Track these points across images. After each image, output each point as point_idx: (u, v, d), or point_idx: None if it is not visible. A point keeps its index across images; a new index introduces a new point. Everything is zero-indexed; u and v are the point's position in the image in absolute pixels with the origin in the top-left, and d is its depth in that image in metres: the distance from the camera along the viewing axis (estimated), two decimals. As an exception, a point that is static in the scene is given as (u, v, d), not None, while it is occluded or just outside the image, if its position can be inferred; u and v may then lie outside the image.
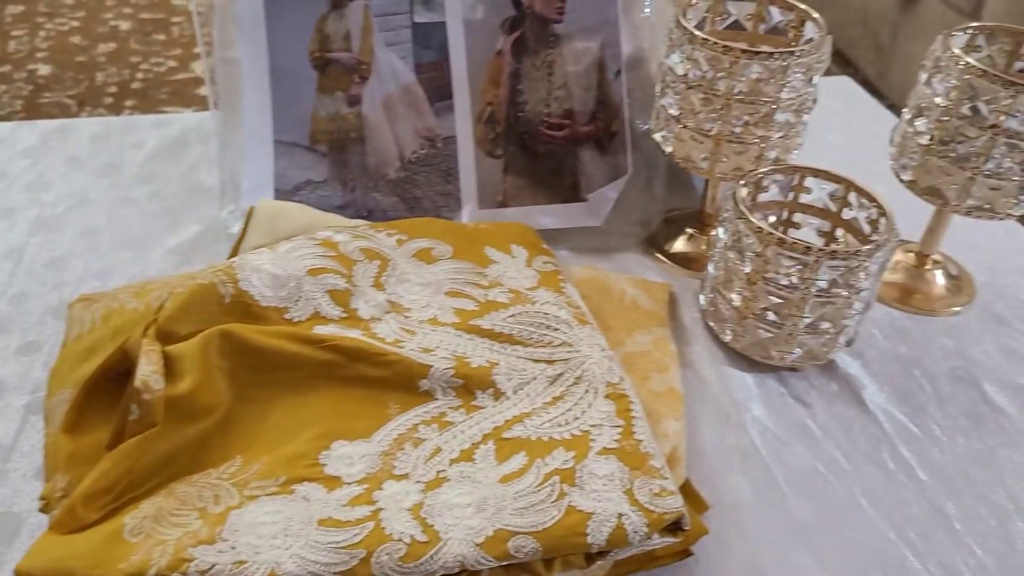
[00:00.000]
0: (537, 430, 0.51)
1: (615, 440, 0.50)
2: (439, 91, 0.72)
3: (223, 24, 0.72)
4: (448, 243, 0.64)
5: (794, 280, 0.57)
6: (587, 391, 0.53)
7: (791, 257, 0.56)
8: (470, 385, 0.53)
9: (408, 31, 0.72)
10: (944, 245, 0.70)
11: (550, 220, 0.72)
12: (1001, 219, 0.63)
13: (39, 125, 0.83)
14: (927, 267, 0.71)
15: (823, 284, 0.57)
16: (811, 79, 0.62)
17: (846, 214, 0.63)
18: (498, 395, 0.54)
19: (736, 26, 0.68)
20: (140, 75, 2.14)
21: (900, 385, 0.62)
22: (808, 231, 0.66)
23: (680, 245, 0.72)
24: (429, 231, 0.65)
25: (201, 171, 0.79)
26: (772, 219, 0.66)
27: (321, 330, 0.55)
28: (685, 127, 0.64)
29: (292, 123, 0.73)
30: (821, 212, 0.65)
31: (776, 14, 0.67)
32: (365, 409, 0.52)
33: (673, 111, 0.64)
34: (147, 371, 0.48)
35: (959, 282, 0.71)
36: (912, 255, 0.71)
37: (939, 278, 0.71)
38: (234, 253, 0.65)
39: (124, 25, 2.34)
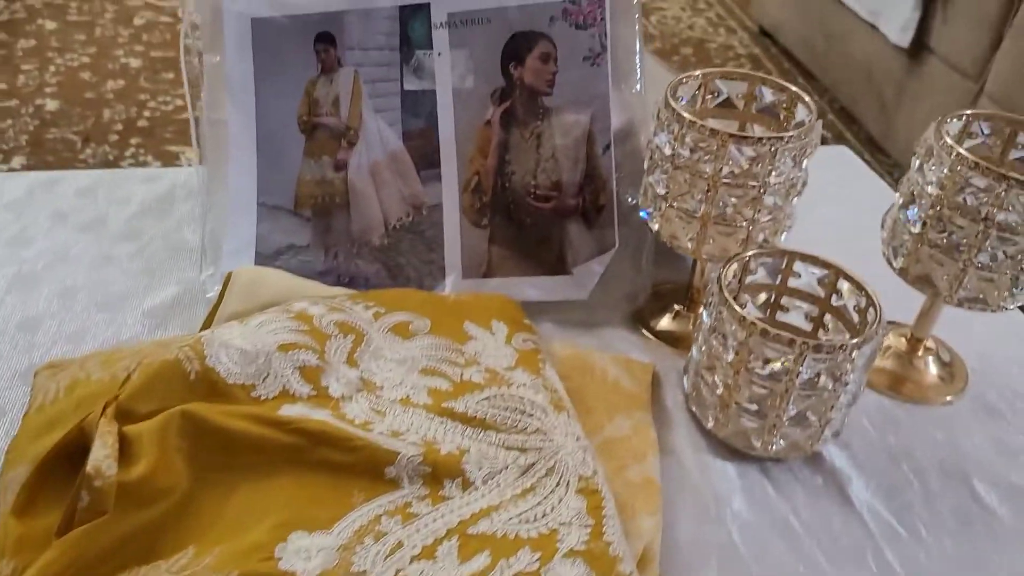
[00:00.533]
0: (504, 525, 0.49)
1: (583, 541, 0.48)
2: (426, 159, 0.71)
3: (212, 85, 0.72)
4: (427, 317, 0.63)
5: (778, 371, 0.56)
6: (559, 484, 0.52)
7: (774, 348, 0.54)
8: (438, 473, 0.52)
9: (397, 98, 0.71)
10: (938, 328, 0.69)
11: (535, 292, 0.71)
12: (993, 311, 0.61)
13: (28, 177, 0.82)
14: (919, 353, 0.69)
15: (807, 376, 0.55)
16: (801, 163, 0.61)
17: (835, 301, 0.62)
18: (467, 485, 0.52)
19: (728, 104, 0.67)
20: (147, 113, 2.16)
21: (887, 479, 0.60)
22: (797, 315, 0.64)
23: (666, 323, 0.71)
24: (408, 304, 0.64)
25: (186, 230, 0.78)
26: (760, 301, 0.65)
27: (288, 410, 0.53)
28: (672, 206, 0.63)
29: (277, 186, 0.72)
30: (810, 297, 0.63)
31: (768, 94, 0.66)
32: (328, 496, 0.50)
33: (660, 189, 0.63)
34: (100, 455, 0.46)
35: (952, 369, 0.70)
36: (904, 340, 0.70)
37: (931, 365, 0.69)
38: (210, 319, 0.64)
39: (134, 63, 2.36)
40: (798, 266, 0.63)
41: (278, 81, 0.72)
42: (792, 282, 0.64)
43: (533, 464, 0.53)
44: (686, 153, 0.60)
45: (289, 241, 0.71)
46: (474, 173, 0.71)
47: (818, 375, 0.55)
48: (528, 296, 0.71)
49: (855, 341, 0.54)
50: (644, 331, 0.71)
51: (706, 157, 0.59)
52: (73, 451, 0.49)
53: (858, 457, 0.62)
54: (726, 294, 0.56)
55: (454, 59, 0.70)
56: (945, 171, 0.58)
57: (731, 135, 0.57)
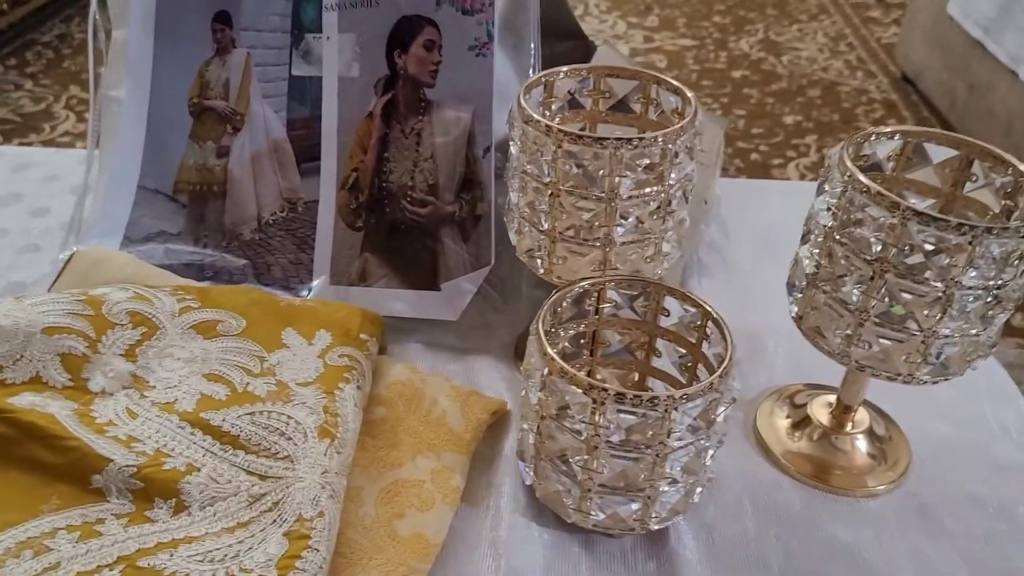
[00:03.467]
0: (182, 562, 0.41)
1: (246, 596, 0.39)
2: (307, 150, 0.66)
3: (113, 61, 0.69)
4: (245, 318, 0.56)
5: (581, 421, 0.45)
6: (273, 521, 0.43)
7: (573, 393, 0.44)
8: (150, 491, 0.45)
9: (285, 84, 0.66)
10: (878, 391, 0.55)
11: (402, 307, 0.63)
12: (906, 383, 0.47)
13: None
14: (847, 427, 0.55)
15: (618, 437, 0.44)
16: (666, 175, 0.50)
17: (706, 348, 0.50)
18: (180, 509, 0.44)
19: (627, 108, 0.57)
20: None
21: (740, 581, 0.47)
22: (668, 362, 0.53)
23: (541, 357, 0.60)
24: (232, 302, 0.57)
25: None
26: (629, 341, 0.54)
27: (23, 399, 0.48)
28: (524, 218, 0.53)
29: (159, 169, 0.68)
30: (682, 341, 0.52)
31: (668, 98, 0.55)
32: (21, 498, 0.44)
33: (514, 198, 0.54)
34: None
35: (887, 448, 0.55)
36: (828, 411, 0.56)
37: (861, 443, 0.55)
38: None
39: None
40: (669, 303, 0.51)
41: (175, 60, 0.68)
42: (664, 321, 0.52)
43: (264, 495, 0.45)
44: (527, 155, 0.50)
45: (161, 227, 0.67)
46: (353, 169, 0.64)
47: (631, 433, 0.44)
48: (395, 311, 0.63)
49: (670, 396, 0.42)
50: (519, 364, 0.61)
51: (545, 159, 0.49)
52: None
53: (716, 546, 0.49)
54: (539, 322, 0.46)
55: (341, 44, 0.64)
56: (839, 195, 0.45)
57: (566, 133, 0.47)
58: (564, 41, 0.75)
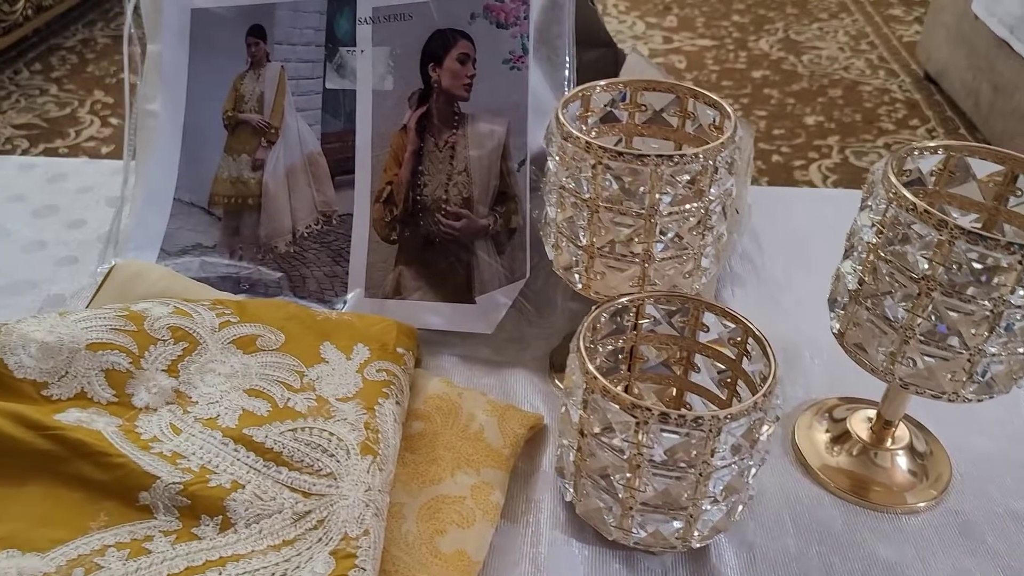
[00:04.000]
0: (229, 581, 0.42)
1: (296, 615, 0.39)
2: (342, 163, 0.66)
3: (148, 75, 0.70)
4: (284, 332, 0.57)
5: (624, 441, 0.45)
6: (319, 540, 0.44)
7: (614, 411, 0.44)
8: (196, 508, 0.45)
9: (319, 97, 0.66)
10: (919, 406, 0.54)
11: (437, 320, 0.63)
12: (951, 401, 0.47)
13: (8, 160, 0.84)
14: (887, 443, 0.55)
15: (659, 455, 0.44)
16: (706, 190, 0.50)
17: (746, 364, 0.50)
18: (226, 526, 0.45)
19: (663, 121, 0.57)
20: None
21: (783, 599, 0.47)
22: (707, 377, 0.53)
23: (577, 370, 0.60)
24: (270, 316, 0.58)
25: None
26: (667, 356, 0.54)
27: (70, 416, 0.49)
28: (562, 233, 0.53)
29: (195, 182, 0.69)
30: (721, 357, 0.51)
31: (706, 112, 0.55)
32: (67, 515, 0.45)
33: (552, 213, 0.54)
34: None
35: (928, 465, 0.55)
36: (868, 426, 0.56)
37: (901, 459, 0.55)
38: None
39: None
40: (708, 318, 0.51)
41: (209, 74, 0.69)
42: (703, 337, 0.52)
43: (309, 512, 0.45)
44: (565, 171, 0.50)
45: (197, 240, 0.68)
46: (387, 183, 0.65)
47: (672, 453, 0.44)
48: (430, 324, 0.63)
49: (715, 416, 0.42)
50: (555, 378, 0.61)
51: (585, 175, 0.49)
52: None
53: (757, 564, 0.49)
54: (579, 339, 0.46)
55: (375, 57, 0.64)
56: (884, 213, 0.45)
57: (605, 150, 0.47)
58: (592, 49, 0.75)
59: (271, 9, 0.67)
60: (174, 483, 0.46)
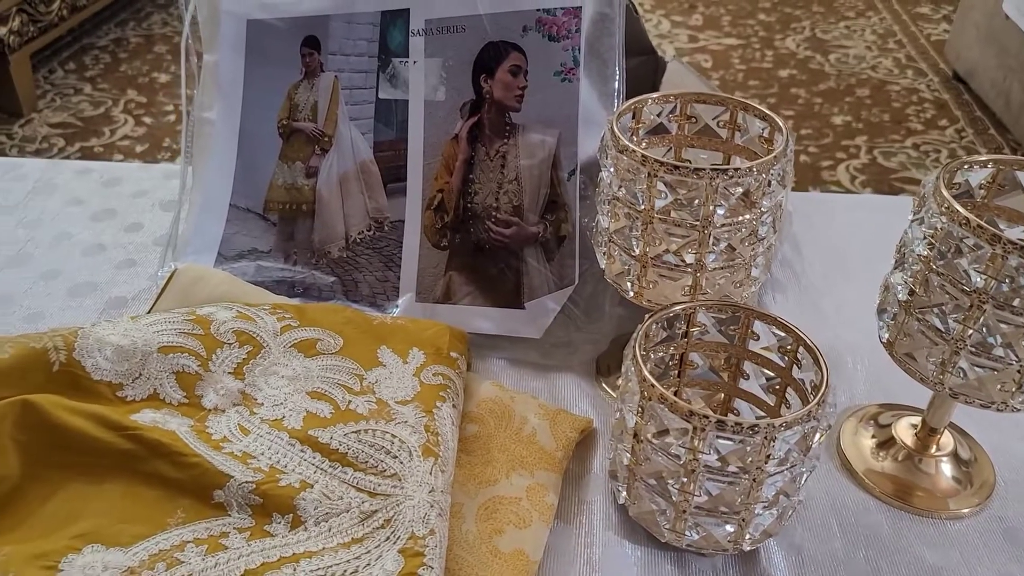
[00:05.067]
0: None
1: (371, 611, 0.41)
2: (393, 171, 0.68)
3: (205, 84, 0.72)
4: (342, 336, 0.59)
5: (680, 446, 0.46)
6: (387, 539, 0.45)
7: (672, 418, 0.45)
8: (268, 506, 0.47)
9: (372, 106, 0.68)
10: (963, 415, 0.55)
11: (487, 324, 0.65)
12: (999, 411, 0.48)
13: (64, 164, 0.87)
14: (932, 449, 0.56)
15: (713, 460, 0.45)
16: (758, 203, 0.51)
17: (796, 372, 0.51)
18: (296, 524, 0.47)
19: (708, 132, 0.58)
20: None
21: (833, 602, 0.49)
22: (755, 384, 0.54)
23: (625, 375, 0.62)
24: (328, 320, 0.60)
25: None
26: (717, 363, 0.55)
27: (145, 416, 0.51)
28: (614, 243, 0.55)
29: (250, 189, 0.71)
30: (771, 365, 0.53)
31: (755, 123, 0.56)
32: (146, 512, 0.47)
33: (604, 223, 0.56)
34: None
35: (972, 472, 0.56)
36: (913, 433, 0.57)
37: (945, 466, 0.56)
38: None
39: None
40: (758, 327, 0.52)
41: (264, 83, 0.71)
42: (753, 345, 0.53)
43: (375, 512, 0.47)
44: (619, 182, 0.52)
45: (252, 245, 0.70)
46: (438, 190, 0.66)
47: (726, 459, 0.45)
48: (480, 328, 0.65)
49: (770, 423, 0.43)
50: (602, 382, 0.62)
51: (640, 187, 0.51)
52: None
53: (806, 567, 0.50)
54: (635, 346, 0.48)
55: (428, 68, 0.66)
56: (936, 227, 0.46)
57: (661, 163, 0.49)
58: (634, 57, 0.76)
59: (325, 21, 0.69)
60: (247, 482, 0.48)
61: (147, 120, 2.19)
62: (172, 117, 2.22)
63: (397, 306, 0.67)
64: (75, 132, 2.13)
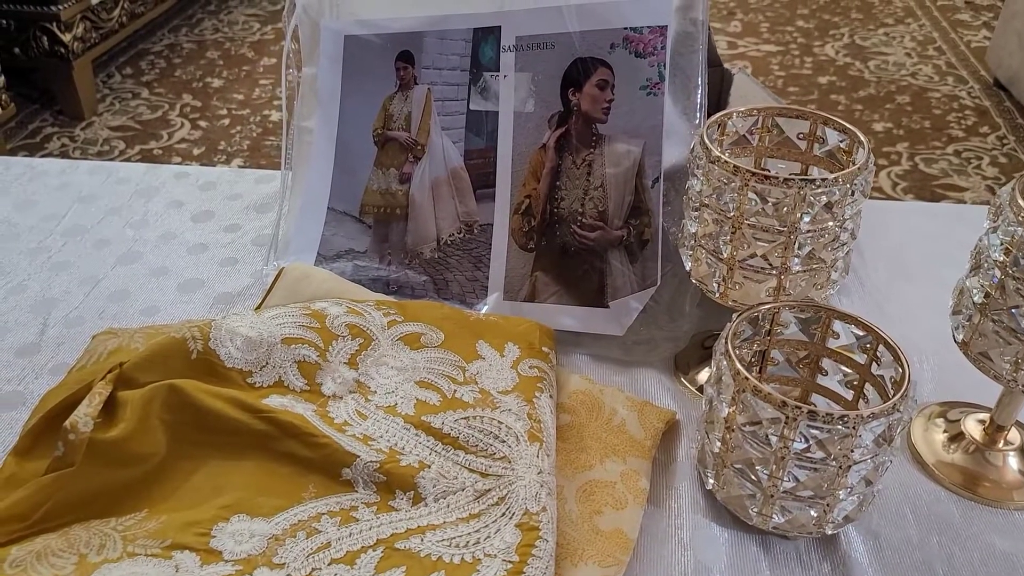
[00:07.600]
0: (433, 546, 0.48)
1: (498, 576, 0.46)
2: (483, 178, 0.72)
3: (305, 95, 0.77)
4: (442, 330, 0.63)
5: (771, 435, 0.50)
6: (504, 514, 0.50)
7: (765, 408, 0.49)
8: (391, 484, 0.52)
9: (463, 117, 0.73)
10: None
11: (571, 322, 0.69)
12: (1070, 406, 0.51)
13: (160, 169, 0.92)
14: (999, 444, 0.60)
15: (803, 446, 0.49)
16: (840, 210, 0.55)
17: (875, 369, 0.55)
18: (417, 500, 0.51)
19: (789, 144, 0.62)
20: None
21: (910, 582, 0.52)
22: (833, 380, 0.58)
23: (704, 373, 0.66)
24: (429, 316, 0.64)
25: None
26: (797, 359, 0.59)
27: (274, 400, 0.56)
28: (702, 247, 0.59)
29: (347, 193, 0.76)
30: (850, 362, 0.57)
31: (832, 136, 0.60)
32: (283, 486, 0.52)
33: (692, 228, 0.60)
34: (81, 412, 0.51)
35: (1038, 469, 0.59)
36: (981, 428, 0.60)
37: (1012, 460, 0.59)
38: (259, 308, 0.68)
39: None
40: (837, 326, 0.56)
41: (361, 95, 0.76)
42: (832, 343, 0.57)
43: (489, 490, 0.52)
44: (710, 190, 0.56)
45: (349, 246, 0.75)
46: (525, 196, 0.71)
47: (814, 447, 0.49)
48: (564, 325, 0.69)
49: (858, 414, 0.47)
50: (682, 378, 0.67)
51: (730, 196, 0.55)
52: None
53: (883, 552, 0.54)
54: (727, 343, 0.52)
55: (518, 82, 0.70)
56: (1013, 235, 0.50)
57: (753, 173, 0.53)
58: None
59: (419, 37, 0.73)
60: (372, 461, 0.52)
61: (202, 124, 2.26)
62: (227, 121, 2.29)
63: (486, 304, 0.71)
64: (134, 135, 2.20)
